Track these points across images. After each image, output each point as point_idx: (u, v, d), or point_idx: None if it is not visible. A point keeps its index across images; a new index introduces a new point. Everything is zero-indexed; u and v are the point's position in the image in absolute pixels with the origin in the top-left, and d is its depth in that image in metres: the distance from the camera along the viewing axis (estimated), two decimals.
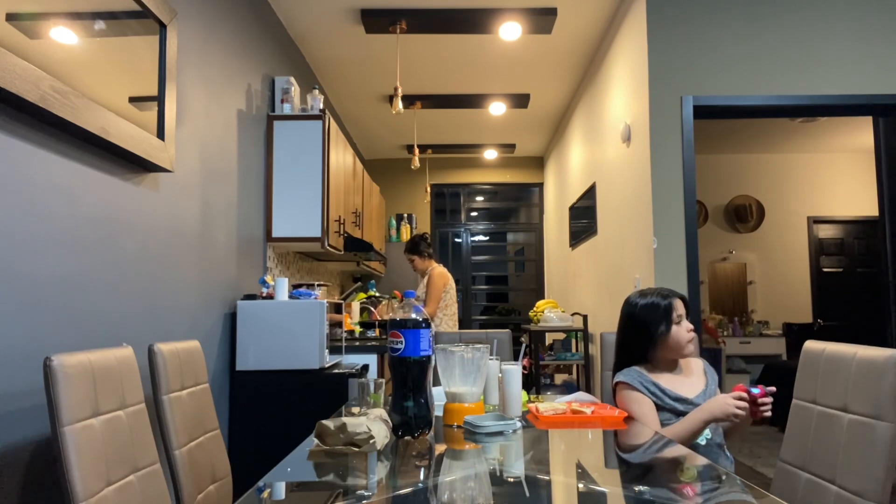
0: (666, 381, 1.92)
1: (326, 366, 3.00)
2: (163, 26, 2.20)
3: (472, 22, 3.97)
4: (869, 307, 6.96)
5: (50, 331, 1.68)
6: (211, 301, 2.78)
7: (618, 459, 1.44)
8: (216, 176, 2.85)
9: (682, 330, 1.92)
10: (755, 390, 1.69)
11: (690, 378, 1.97)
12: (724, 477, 1.23)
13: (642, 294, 1.99)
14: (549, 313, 5.02)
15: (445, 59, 4.66)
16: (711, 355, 5.63)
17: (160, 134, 2.17)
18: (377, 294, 5.12)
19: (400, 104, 3.86)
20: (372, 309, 4.74)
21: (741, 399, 1.68)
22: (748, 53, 3.35)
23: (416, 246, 4.57)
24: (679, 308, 1.94)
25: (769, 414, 1.69)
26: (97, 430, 1.34)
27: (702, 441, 1.83)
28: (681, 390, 1.90)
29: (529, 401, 2.08)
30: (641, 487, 1.17)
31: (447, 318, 4.54)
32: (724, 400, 1.70)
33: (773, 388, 1.69)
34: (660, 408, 1.87)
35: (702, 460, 1.36)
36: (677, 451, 1.46)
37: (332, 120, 3.73)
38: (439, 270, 4.55)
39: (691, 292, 3.23)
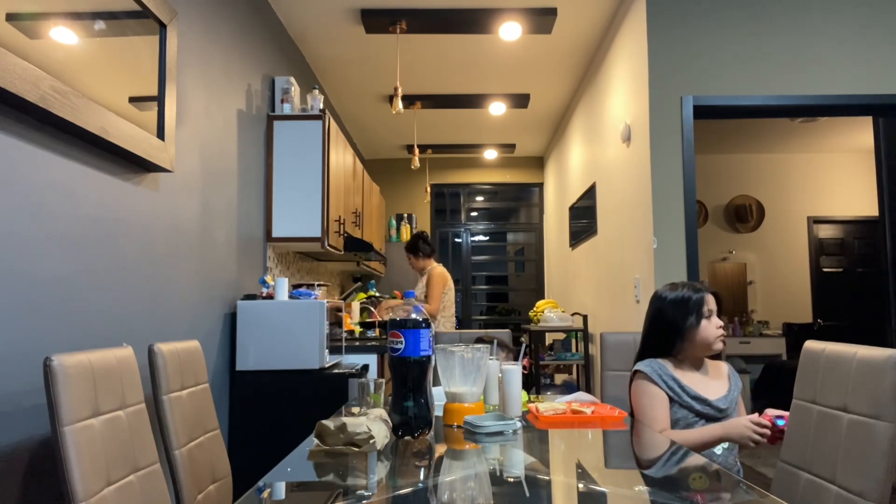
0: (688, 378, 1.88)
1: (326, 366, 3.00)
2: (163, 26, 2.20)
3: (472, 22, 3.97)
4: (869, 307, 6.96)
5: (50, 331, 1.68)
6: (211, 301, 2.78)
7: (635, 469, 1.44)
8: (216, 176, 2.85)
9: (712, 325, 1.88)
10: (781, 422, 1.66)
11: (714, 380, 1.93)
12: (731, 481, 1.23)
13: (673, 286, 1.94)
14: (549, 313, 5.02)
15: (445, 59, 4.66)
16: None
17: (160, 134, 2.17)
18: (377, 294, 5.12)
19: (400, 104, 3.86)
20: (372, 309, 4.74)
21: (763, 426, 1.67)
22: (748, 53, 3.35)
23: (412, 245, 4.61)
24: (710, 303, 1.90)
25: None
26: (97, 430, 1.34)
27: (718, 451, 1.82)
28: (702, 391, 1.86)
29: (529, 401, 2.08)
30: (641, 487, 1.17)
31: (444, 321, 4.53)
32: (745, 425, 1.68)
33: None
34: (676, 404, 1.83)
35: (714, 467, 1.35)
36: (694, 459, 1.46)
37: (332, 120, 3.73)
38: (439, 270, 4.56)
39: None
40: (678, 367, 1.91)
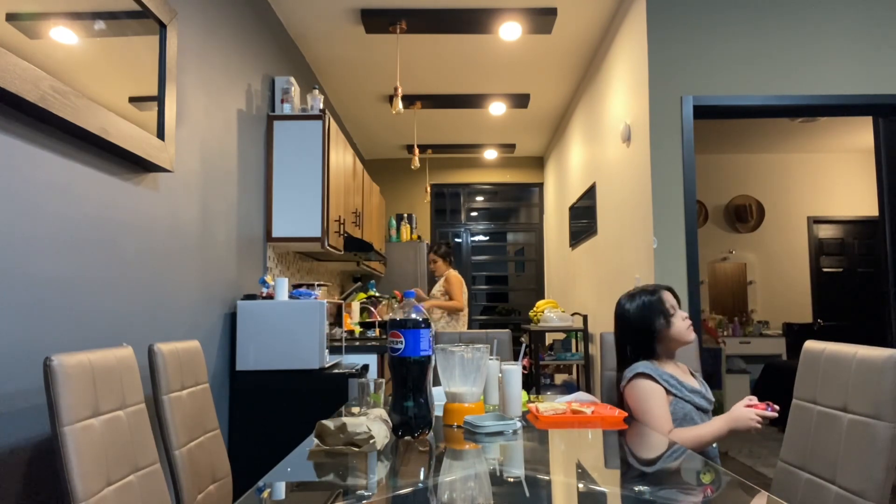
0: (677, 374, 1.94)
1: (326, 366, 2.99)
2: (163, 26, 2.20)
3: (472, 22, 3.97)
4: (869, 307, 6.96)
5: (50, 331, 1.68)
6: (211, 301, 2.78)
7: (635, 469, 1.44)
8: (216, 176, 2.85)
9: (679, 319, 1.95)
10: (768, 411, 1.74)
11: (687, 375, 2.00)
12: (727, 478, 1.23)
13: (630, 297, 2.02)
14: (549, 313, 5.02)
15: (445, 59, 4.66)
16: (711, 355, 5.62)
17: (160, 134, 2.17)
18: (377, 294, 5.12)
19: (400, 104, 3.86)
20: (372, 309, 4.74)
21: (760, 411, 1.73)
22: (748, 53, 3.35)
23: (446, 252, 5.15)
24: (669, 299, 1.97)
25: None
26: (97, 431, 1.34)
27: (714, 444, 1.86)
28: (691, 383, 1.93)
29: (529, 401, 2.08)
30: (642, 487, 1.17)
31: (464, 317, 4.95)
32: (748, 413, 1.74)
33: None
34: (679, 400, 1.87)
35: (716, 466, 1.36)
36: (693, 458, 1.46)
37: (332, 120, 3.73)
38: (458, 276, 5.02)
39: (691, 292, 3.23)
40: (662, 367, 1.95)
